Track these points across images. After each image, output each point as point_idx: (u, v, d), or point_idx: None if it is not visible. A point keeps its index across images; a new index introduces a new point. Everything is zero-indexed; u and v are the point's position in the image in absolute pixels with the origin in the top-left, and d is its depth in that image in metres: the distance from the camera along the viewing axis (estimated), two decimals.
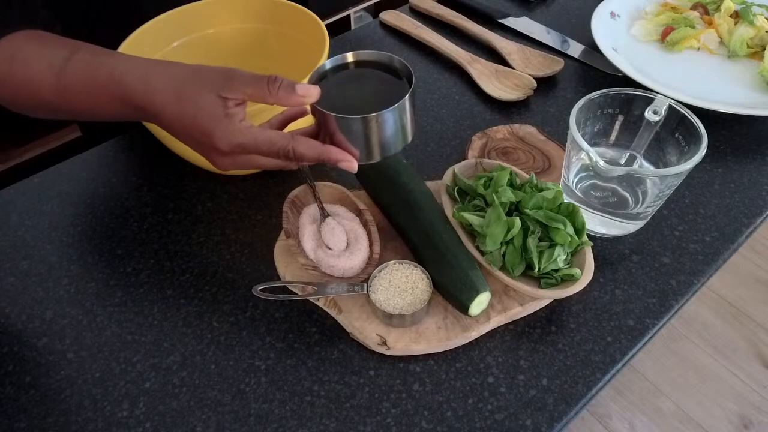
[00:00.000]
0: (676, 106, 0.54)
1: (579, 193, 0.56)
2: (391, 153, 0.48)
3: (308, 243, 0.54)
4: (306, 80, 0.48)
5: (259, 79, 0.43)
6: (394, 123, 0.46)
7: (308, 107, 0.48)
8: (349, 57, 0.49)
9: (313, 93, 0.44)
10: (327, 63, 0.48)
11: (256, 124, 0.46)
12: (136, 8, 0.66)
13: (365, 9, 1.75)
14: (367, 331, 0.50)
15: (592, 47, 0.80)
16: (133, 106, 0.46)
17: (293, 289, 0.53)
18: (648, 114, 0.56)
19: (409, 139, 0.49)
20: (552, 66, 0.77)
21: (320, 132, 0.47)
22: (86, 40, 0.66)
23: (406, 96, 0.45)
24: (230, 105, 0.43)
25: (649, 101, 0.56)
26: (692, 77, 0.75)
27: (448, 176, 0.58)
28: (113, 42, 0.61)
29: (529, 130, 0.68)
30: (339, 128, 0.45)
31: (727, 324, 1.53)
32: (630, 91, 0.56)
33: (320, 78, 0.48)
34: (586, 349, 0.50)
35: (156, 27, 0.65)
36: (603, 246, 0.58)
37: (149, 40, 0.64)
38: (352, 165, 0.46)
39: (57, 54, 0.48)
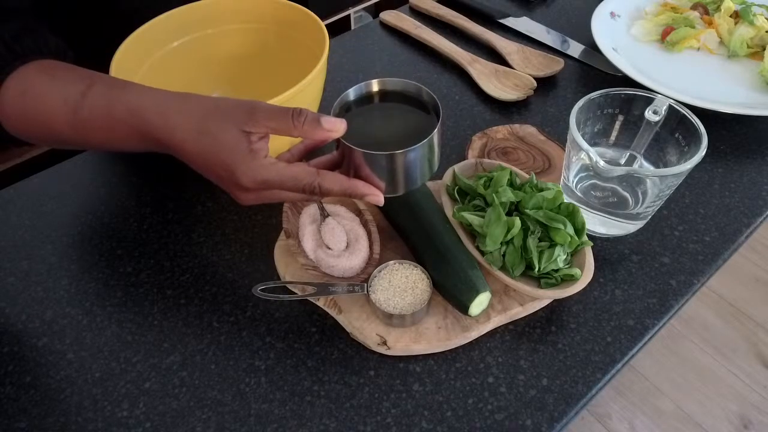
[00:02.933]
0: (676, 106, 0.54)
1: (579, 193, 0.56)
2: (417, 186, 0.48)
3: (308, 243, 0.54)
4: (332, 110, 0.46)
5: (283, 112, 0.42)
6: (421, 158, 0.45)
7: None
8: (374, 85, 0.47)
9: (340, 127, 0.42)
10: (351, 92, 0.47)
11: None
12: (136, 8, 0.66)
13: (365, 9, 1.74)
14: (367, 331, 0.50)
15: (592, 47, 0.80)
16: (152, 140, 0.45)
17: (293, 289, 0.53)
18: (648, 114, 0.56)
19: (435, 169, 0.48)
20: (552, 66, 0.77)
21: (344, 163, 0.46)
22: (87, 40, 0.66)
23: (435, 131, 0.44)
24: (254, 140, 0.42)
25: (649, 101, 0.56)
26: (692, 77, 0.75)
27: (448, 176, 0.58)
28: (113, 42, 0.61)
29: (529, 130, 0.68)
30: (366, 163, 0.44)
31: (727, 324, 1.53)
32: (630, 91, 0.56)
33: (344, 108, 0.47)
34: (586, 349, 0.50)
35: (156, 27, 0.65)
36: (603, 246, 0.58)
37: (149, 40, 0.64)
38: (378, 199, 0.45)
39: (71, 88, 0.47)
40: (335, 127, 0.42)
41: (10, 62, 0.49)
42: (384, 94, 0.48)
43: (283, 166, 0.43)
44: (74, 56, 0.56)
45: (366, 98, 0.47)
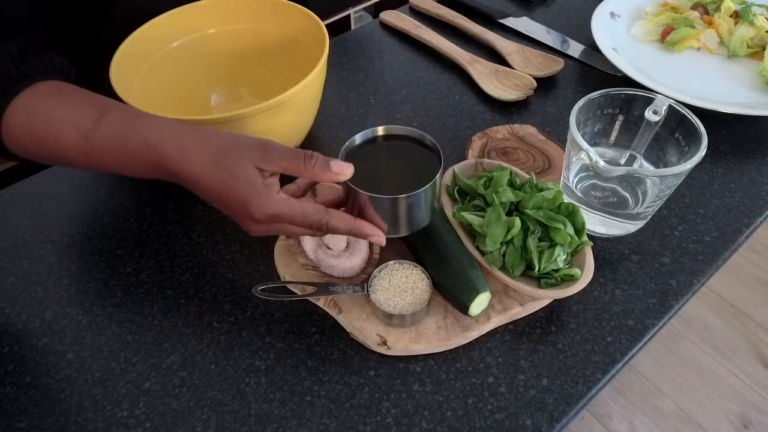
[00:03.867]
0: (676, 106, 0.54)
1: (579, 193, 0.56)
2: (419, 228, 0.50)
3: (308, 243, 0.54)
4: (339, 153, 0.48)
5: (296, 154, 0.44)
6: (424, 201, 0.47)
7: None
8: (380, 131, 0.50)
9: (348, 172, 0.44)
10: (357, 138, 0.49)
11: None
12: (136, 8, 0.66)
13: (365, 9, 1.74)
14: (367, 331, 0.50)
15: (592, 47, 0.80)
16: (165, 171, 0.46)
17: (293, 289, 0.53)
18: (648, 114, 0.56)
19: (435, 211, 0.51)
20: (552, 66, 0.77)
21: (349, 202, 0.48)
22: (87, 40, 0.66)
23: (437, 176, 0.46)
24: (266, 175, 0.44)
25: (649, 101, 0.56)
26: (692, 77, 0.75)
27: (448, 176, 0.58)
28: (114, 42, 0.61)
29: (529, 130, 0.68)
30: (370, 205, 0.46)
31: (727, 324, 1.53)
32: (630, 91, 0.56)
33: (351, 151, 0.49)
34: (586, 349, 0.50)
35: (156, 27, 0.65)
36: (603, 246, 0.58)
37: (150, 40, 0.64)
38: (381, 240, 0.48)
39: (84, 115, 0.48)
40: (343, 170, 0.44)
41: (18, 82, 0.49)
42: (389, 138, 0.51)
43: (294, 202, 0.45)
44: (77, 74, 0.56)
45: (371, 141, 0.50)
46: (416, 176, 0.46)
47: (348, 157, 0.48)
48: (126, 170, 0.49)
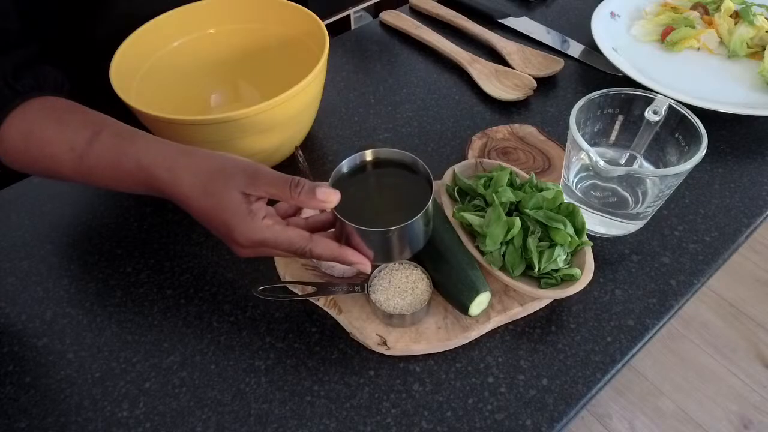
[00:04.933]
0: (676, 106, 0.54)
1: (579, 193, 0.56)
2: (409, 256, 0.49)
3: None
4: (329, 179, 0.48)
5: (282, 180, 0.44)
6: (414, 231, 0.46)
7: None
8: (368, 155, 0.49)
9: (333, 199, 0.44)
10: (344, 164, 0.48)
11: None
12: (136, 8, 0.66)
13: (365, 9, 1.74)
14: (367, 331, 0.50)
15: (592, 47, 0.80)
16: (158, 191, 0.48)
17: (293, 289, 0.53)
18: (648, 114, 0.56)
19: (428, 238, 0.49)
20: (552, 66, 0.77)
21: (336, 228, 0.48)
22: (87, 40, 0.66)
23: (428, 204, 0.45)
24: (252, 200, 0.45)
25: (649, 101, 0.56)
26: (692, 77, 0.74)
27: (448, 176, 0.58)
28: (114, 42, 0.61)
29: (529, 130, 0.68)
30: (356, 234, 0.46)
31: (727, 324, 1.53)
32: (630, 91, 0.56)
33: (340, 177, 0.48)
34: (586, 349, 0.50)
35: (156, 27, 0.65)
36: (603, 246, 0.58)
37: (149, 40, 0.64)
38: (365, 268, 0.47)
39: (78, 135, 0.49)
40: (329, 198, 0.44)
41: (10, 101, 0.50)
42: (378, 163, 0.50)
43: (279, 229, 0.45)
44: (77, 76, 0.57)
45: (361, 167, 0.49)
46: (407, 204, 0.46)
47: (336, 184, 0.47)
48: (120, 188, 0.50)
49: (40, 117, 0.50)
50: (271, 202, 0.47)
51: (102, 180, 0.50)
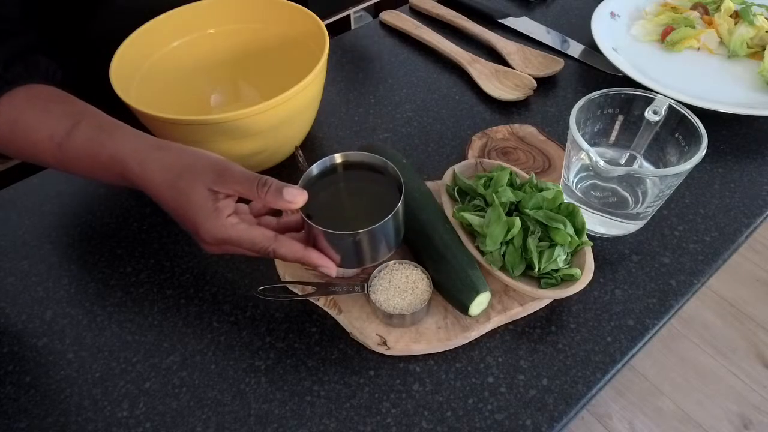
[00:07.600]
0: (676, 106, 0.54)
1: (579, 193, 0.56)
2: (377, 261, 0.49)
3: None
4: (299, 180, 0.48)
5: (250, 179, 0.44)
6: (382, 235, 0.46)
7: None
8: (338, 158, 0.49)
9: (300, 200, 0.44)
10: (314, 167, 0.48)
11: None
12: (135, 8, 0.66)
13: (365, 9, 1.74)
14: (367, 331, 0.50)
15: (592, 47, 0.80)
16: (131, 183, 0.48)
17: (293, 289, 0.53)
18: (648, 114, 0.56)
19: (399, 243, 0.49)
20: (552, 66, 0.77)
21: (305, 229, 0.47)
22: (87, 39, 0.66)
23: (398, 206, 0.45)
24: (220, 197, 0.45)
25: (649, 101, 0.56)
26: (692, 77, 0.74)
27: (448, 176, 0.58)
28: (114, 42, 0.61)
29: (529, 130, 0.68)
30: (322, 237, 0.45)
31: (727, 324, 1.53)
32: (630, 91, 0.56)
33: (310, 180, 0.48)
34: (586, 349, 0.50)
35: (156, 27, 0.65)
36: (603, 246, 0.58)
37: (149, 40, 0.64)
38: (330, 272, 0.47)
39: (59, 125, 0.50)
40: (295, 199, 0.44)
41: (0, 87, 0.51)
42: (348, 166, 0.49)
43: (243, 228, 0.45)
44: (65, 79, 0.57)
45: (332, 170, 0.49)
46: (378, 207, 0.45)
47: (306, 186, 0.47)
48: (97, 178, 0.51)
49: (27, 104, 0.51)
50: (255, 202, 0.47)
51: (79, 169, 0.51)
